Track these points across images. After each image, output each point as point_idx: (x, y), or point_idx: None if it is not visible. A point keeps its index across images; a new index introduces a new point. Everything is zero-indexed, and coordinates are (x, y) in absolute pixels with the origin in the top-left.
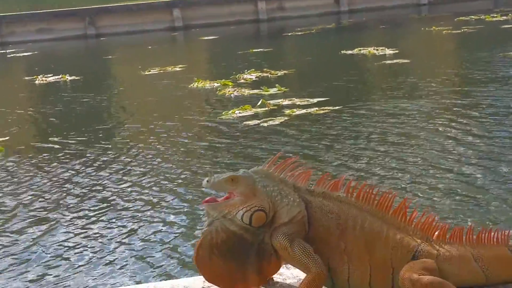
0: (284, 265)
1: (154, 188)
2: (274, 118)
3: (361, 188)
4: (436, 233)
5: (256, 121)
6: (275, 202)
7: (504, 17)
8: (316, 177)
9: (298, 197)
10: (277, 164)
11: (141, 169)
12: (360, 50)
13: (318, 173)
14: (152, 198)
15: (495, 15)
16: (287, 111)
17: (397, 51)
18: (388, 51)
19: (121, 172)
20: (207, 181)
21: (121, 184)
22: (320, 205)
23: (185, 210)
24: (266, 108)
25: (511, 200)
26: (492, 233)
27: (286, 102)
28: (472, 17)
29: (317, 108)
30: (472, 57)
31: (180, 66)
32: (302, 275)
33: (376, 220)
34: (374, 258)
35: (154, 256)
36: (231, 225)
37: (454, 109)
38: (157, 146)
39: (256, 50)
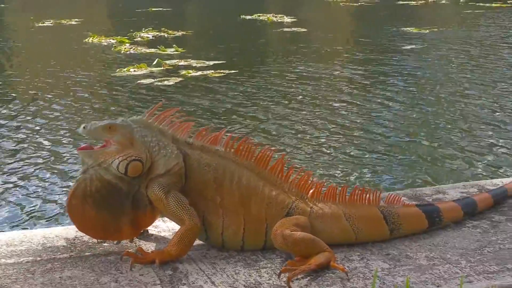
0: (160, 218)
1: (34, 136)
2: (169, 78)
3: (240, 143)
4: (311, 191)
5: (151, 80)
6: (152, 153)
7: None
8: (197, 130)
9: (176, 149)
10: (157, 115)
11: (27, 117)
12: (259, 16)
13: (200, 127)
14: (31, 146)
15: None
16: (183, 72)
17: (295, 20)
18: (287, 19)
19: (6, 122)
20: (84, 127)
21: (5, 132)
22: (198, 158)
23: (62, 157)
24: (162, 68)
25: (388, 163)
26: (365, 193)
27: (182, 62)
28: None
29: (213, 71)
30: (366, 30)
31: (76, 19)
32: (177, 228)
33: (253, 175)
34: (249, 213)
35: (26, 204)
36: (106, 173)
37: (346, 75)
38: (45, 99)
39: (155, 9)
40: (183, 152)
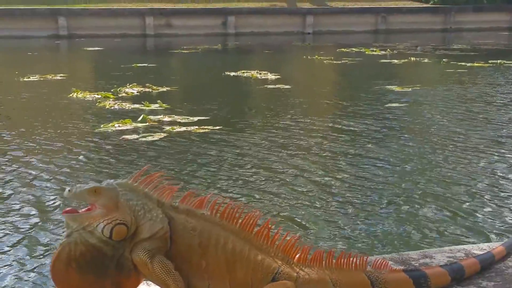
0: (145, 282)
1: (15, 195)
2: (154, 134)
3: (226, 207)
4: (298, 255)
5: (135, 136)
6: (137, 217)
7: (383, 52)
8: (182, 194)
9: (161, 212)
10: (142, 178)
11: (7, 173)
12: (243, 72)
13: (186, 190)
14: (12, 205)
15: (374, 49)
16: (167, 128)
17: (279, 76)
18: (271, 76)
19: None
20: (69, 190)
21: None
22: (184, 222)
23: (47, 219)
24: (147, 124)
25: (373, 227)
26: (351, 258)
27: (166, 118)
28: (353, 49)
29: (197, 127)
30: (349, 86)
31: (62, 75)
32: None
33: (239, 240)
34: (235, 278)
35: (10, 270)
36: (91, 237)
37: (330, 129)
38: (28, 155)
39: (140, 64)
40: (168, 216)
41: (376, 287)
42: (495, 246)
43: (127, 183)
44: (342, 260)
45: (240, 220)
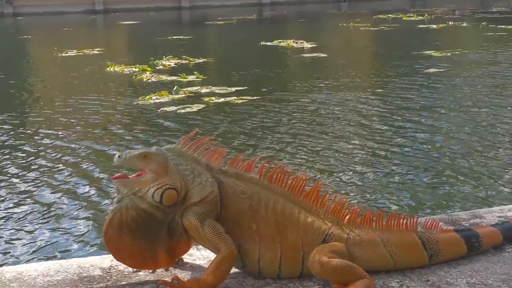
0: (194, 246)
1: (65, 166)
2: (192, 105)
3: (274, 170)
4: (347, 217)
5: (174, 108)
6: (187, 181)
7: (420, 17)
8: (230, 158)
9: (210, 176)
10: (191, 143)
11: (55, 148)
12: (280, 42)
13: (233, 155)
14: (64, 176)
15: (411, 15)
16: (206, 99)
17: (315, 45)
18: (307, 45)
19: (34, 151)
20: (119, 156)
21: (35, 161)
22: (233, 185)
23: (96, 187)
24: (183, 95)
25: (422, 187)
26: (401, 219)
27: (204, 90)
28: (390, 15)
29: (235, 97)
30: (386, 54)
31: (98, 49)
32: (212, 256)
33: (288, 202)
34: (285, 240)
35: (63, 234)
36: (142, 202)
37: (367, 101)
38: (70, 128)
39: (176, 37)
40: (217, 180)
41: (427, 246)
42: None
43: (176, 148)
44: (392, 221)
45: (288, 183)
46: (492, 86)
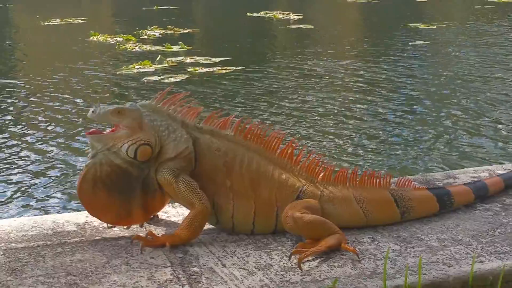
0: (170, 204)
1: (43, 128)
2: (176, 75)
3: (249, 127)
4: (321, 174)
5: (157, 77)
6: (161, 137)
7: None
8: (206, 115)
9: (186, 133)
10: (166, 99)
11: (33, 113)
12: (266, 13)
13: (210, 111)
14: (40, 136)
15: None
16: (190, 69)
17: (301, 17)
18: (293, 16)
19: (14, 114)
20: (93, 111)
21: (13, 125)
22: (208, 142)
23: (73, 146)
24: (166, 65)
25: (399, 150)
26: (375, 177)
27: (188, 60)
28: None
29: (220, 67)
30: (373, 26)
31: (82, 18)
32: (187, 213)
33: (263, 159)
34: (259, 196)
35: (37, 191)
36: (116, 158)
37: (352, 71)
38: (52, 98)
39: (161, 7)
40: (192, 136)
41: (400, 204)
42: None
43: (151, 104)
44: (366, 178)
45: (264, 140)
46: (476, 58)
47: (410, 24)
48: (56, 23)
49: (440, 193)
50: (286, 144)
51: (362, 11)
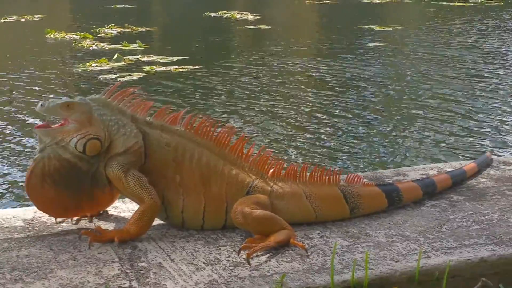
0: (120, 199)
1: None
2: (132, 74)
3: (200, 123)
4: (271, 170)
5: (113, 75)
6: (111, 132)
7: None
8: (156, 110)
9: (135, 128)
10: (116, 94)
11: None
12: (224, 13)
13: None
14: None
15: None
16: (146, 67)
17: (259, 17)
18: (251, 16)
19: None
20: (42, 105)
21: None
22: (158, 137)
23: (20, 139)
24: (123, 63)
25: (349, 148)
26: (325, 173)
27: (145, 58)
28: None
29: (176, 66)
30: (330, 27)
31: (39, 15)
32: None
33: (213, 155)
34: (209, 192)
35: None
36: (65, 152)
37: (307, 70)
38: (5, 93)
39: (120, 6)
40: (142, 131)
41: (349, 200)
42: (467, 163)
43: (101, 99)
44: (316, 174)
45: (214, 136)
46: (428, 59)
47: (367, 26)
48: (12, 20)
49: (389, 190)
50: (237, 139)
51: (320, 12)
